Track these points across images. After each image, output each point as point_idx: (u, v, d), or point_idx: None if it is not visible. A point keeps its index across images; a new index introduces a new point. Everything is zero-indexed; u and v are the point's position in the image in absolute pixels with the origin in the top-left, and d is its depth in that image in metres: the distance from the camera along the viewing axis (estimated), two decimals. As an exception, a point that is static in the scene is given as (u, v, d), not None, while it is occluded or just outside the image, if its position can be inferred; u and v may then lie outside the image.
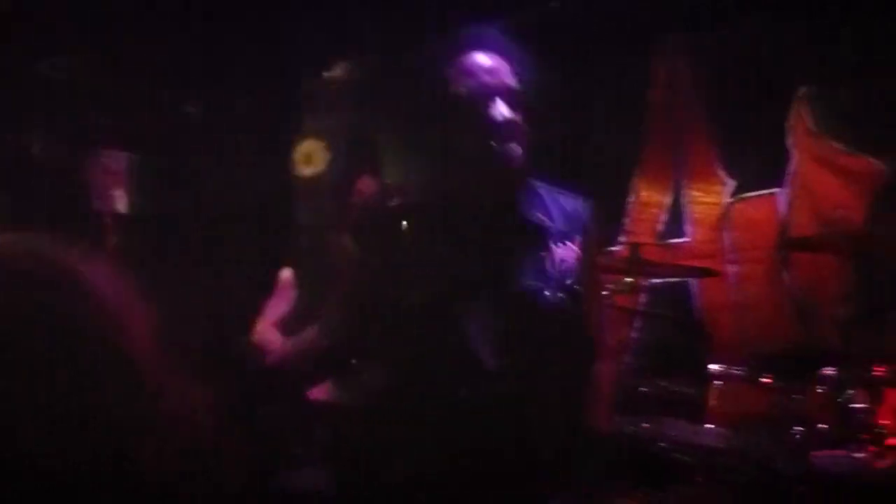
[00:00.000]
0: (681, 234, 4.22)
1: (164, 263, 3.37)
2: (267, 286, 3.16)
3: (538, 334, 1.65)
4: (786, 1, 3.95)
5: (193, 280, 3.68)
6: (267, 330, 3.04)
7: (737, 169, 4.13)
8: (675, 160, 4.26)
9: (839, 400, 2.72)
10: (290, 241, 3.54)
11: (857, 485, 2.48)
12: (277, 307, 3.11)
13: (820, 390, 2.83)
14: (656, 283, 4.13)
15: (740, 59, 4.06)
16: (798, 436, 2.70)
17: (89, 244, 0.90)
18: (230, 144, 3.95)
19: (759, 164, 4.07)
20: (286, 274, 3.17)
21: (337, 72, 4.57)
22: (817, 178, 4.01)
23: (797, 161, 4.03)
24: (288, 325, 3.07)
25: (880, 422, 2.60)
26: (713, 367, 3.07)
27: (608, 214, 3.96)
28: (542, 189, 1.75)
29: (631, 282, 3.45)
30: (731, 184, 4.14)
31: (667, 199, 4.26)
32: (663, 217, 4.27)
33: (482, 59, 1.67)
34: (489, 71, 1.65)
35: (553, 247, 1.69)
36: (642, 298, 4.11)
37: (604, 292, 2.64)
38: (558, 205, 1.74)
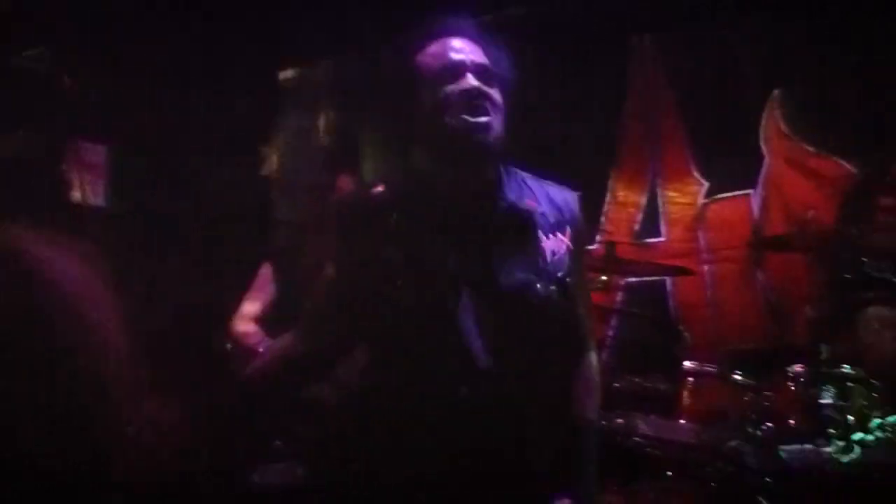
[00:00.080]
0: (656, 234, 4.28)
1: (142, 258, 3.37)
2: (245, 281, 3.18)
3: (530, 329, 1.59)
4: (760, 4, 4.02)
5: (172, 275, 3.68)
6: (245, 324, 3.07)
7: (711, 170, 4.19)
8: (650, 161, 4.31)
9: (808, 396, 2.78)
10: (268, 238, 3.54)
11: (824, 478, 2.53)
12: (255, 302, 3.14)
13: (790, 387, 2.90)
14: (632, 281, 4.19)
15: (714, 62, 4.13)
16: (768, 431, 2.76)
17: (63, 237, 0.88)
18: (208, 141, 3.95)
19: (733, 166, 4.14)
20: (265, 269, 3.20)
21: (316, 69, 4.58)
22: (789, 179, 4.09)
23: (769, 163, 4.11)
24: (266, 322, 3.09)
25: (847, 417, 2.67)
26: (686, 364, 3.13)
27: (585, 214, 4.00)
28: (530, 179, 1.70)
29: (606, 280, 3.50)
30: (706, 185, 4.21)
31: (643, 200, 4.32)
32: (639, 217, 4.33)
33: (451, 41, 1.62)
34: (457, 50, 1.61)
35: (544, 238, 1.63)
36: (618, 297, 4.17)
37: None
38: (547, 195, 1.69)
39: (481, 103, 1.56)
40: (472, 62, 1.60)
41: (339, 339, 1.73)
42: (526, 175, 1.71)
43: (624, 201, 4.36)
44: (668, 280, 4.16)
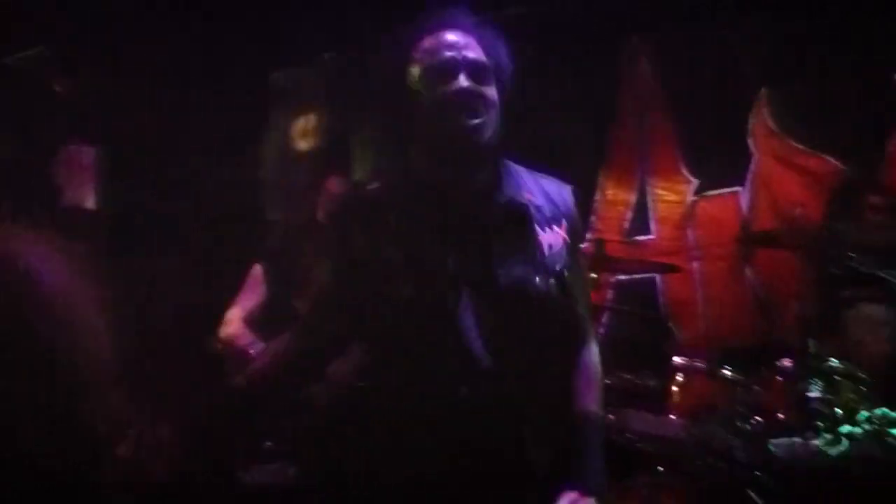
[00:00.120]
0: (646, 232, 4.31)
1: (135, 259, 3.37)
2: (236, 282, 3.19)
3: (531, 324, 1.57)
4: (750, 4, 4.04)
5: (165, 276, 3.68)
6: (235, 325, 3.07)
7: (700, 168, 4.22)
8: (640, 159, 4.34)
9: (796, 390, 2.80)
10: (259, 239, 3.54)
11: (813, 471, 2.56)
12: (246, 303, 3.14)
13: (778, 382, 2.92)
14: (622, 279, 4.21)
15: (704, 61, 4.15)
16: (757, 425, 2.79)
17: (55, 238, 0.88)
18: (202, 142, 3.96)
19: (722, 164, 4.16)
20: (255, 270, 3.20)
21: (307, 70, 4.59)
22: (777, 176, 4.11)
23: (758, 160, 4.13)
24: (256, 323, 3.10)
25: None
26: (676, 360, 3.15)
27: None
28: (525, 173, 1.69)
29: (596, 278, 3.52)
30: (695, 182, 4.23)
31: (632, 198, 4.34)
32: (629, 215, 4.35)
33: (445, 36, 1.60)
34: (451, 46, 1.58)
35: (541, 232, 1.61)
36: (608, 294, 4.19)
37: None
38: (542, 189, 1.67)
39: (474, 104, 1.55)
40: (466, 59, 1.58)
41: (337, 338, 1.72)
42: (521, 168, 1.69)
43: (614, 199, 4.38)
44: (658, 277, 4.18)
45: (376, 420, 1.66)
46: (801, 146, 4.08)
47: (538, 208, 1.63)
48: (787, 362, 2.91)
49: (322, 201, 3.15)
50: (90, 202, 3.51)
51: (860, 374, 2.81)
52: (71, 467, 0.82)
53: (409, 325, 1.56)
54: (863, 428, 2.63)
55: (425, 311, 1.55)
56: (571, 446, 1.59)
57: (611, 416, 2.86)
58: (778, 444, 2.64)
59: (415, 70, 1.58)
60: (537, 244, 1.60)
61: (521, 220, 1.61)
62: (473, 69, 1.57)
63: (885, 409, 2.65)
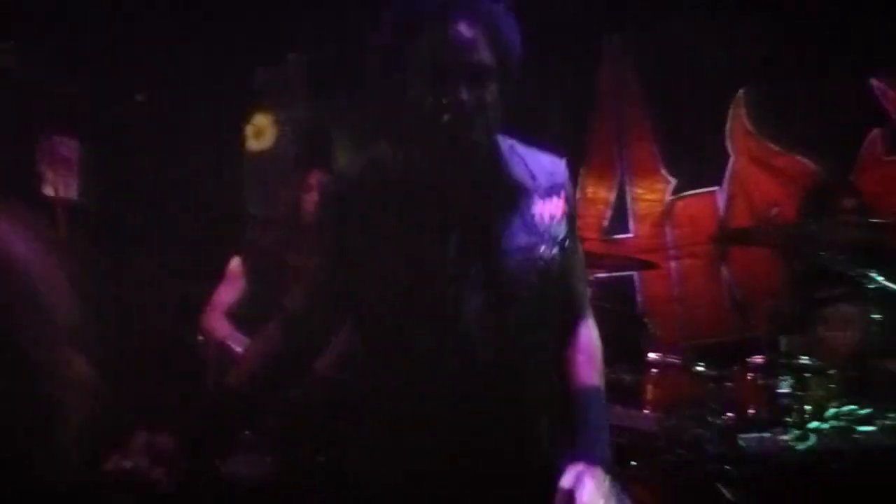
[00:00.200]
0: (625, 230, 4.36)
1: (113, 253, 3.38)
2: (216, 276, 3.20)
3: (536, 296, 1.54)
4: (728, 4, 4.10)
5: (142, 271, 3.69)
6: (215, 318, 3.09)
7: (678, 168, 4.28)
8: (619, 159, 4.39)
9: (767, 386, 2.86)
10: (240, 233, 3.55)
11: (781, 465, 2.61)
12: (226, 296, 3.16)
13: (749, 378, 2.97)
14: (601, 276, 4.25)
15: (682, 62, 4.20)
16: (728, 420, 2.84)
17: (32, 230, 0.87)
18: (183, 135, 3.96)
19: (699, 164, 4.22)
20: (234, 263, 3.22)
21: (288, 66, 4.60)
22: (754, 177, 4.18)
23: (735, 161, 4.20)
24: (236, 316, 3.12)
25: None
26: (651, 356, 3.19)
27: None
28: (518, 146, 1.65)
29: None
30: (673, 182, 4.29)
31: (611, 196, 4.39)
32: (608, 213, 4.40)
33: (448, 31, 1.50)
34: (453, 48, 1.50)
35: (540, 203, 1.59)
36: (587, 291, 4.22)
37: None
38: (537, 161, 1.64)
39: (471, 117, 1.49)
40: (468, 63, 1.49)
41: (329, 331, 1.68)
42: (514, 142, 1.65)
43: (593, 198, 4.43)
44: (636, 275, 4.23)
45: (373, 413, 1.63)
46: (777, 147, 4.15)
47: (535, 180, 1.61)
48: (758, 359, 2.96)
49: (304, 196, 3.16)
50: (72, 194, 3.51)
51: (829, 371, 2.87)
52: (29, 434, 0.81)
53: (405, 315, 1.53)
54: (830, 424, 2.68)
55: (422, 299, 1.52)
56: (575, 421, 1.57)
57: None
58: (748, 438, 2.69)
59: (411, 64, 1.51)
60: (538, 215, 1.58)
61: (518, 193, 1.59)
62: (475, 73, 1.50)
63: (852, 406, 2.71)
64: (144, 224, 3.82)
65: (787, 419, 2.71)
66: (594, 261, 3.76)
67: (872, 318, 2.82)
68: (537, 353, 1.57)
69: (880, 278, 2.80)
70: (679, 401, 3.01)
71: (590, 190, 4.44)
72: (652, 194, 4.32)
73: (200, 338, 3.27)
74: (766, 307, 3.75)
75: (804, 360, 2.90)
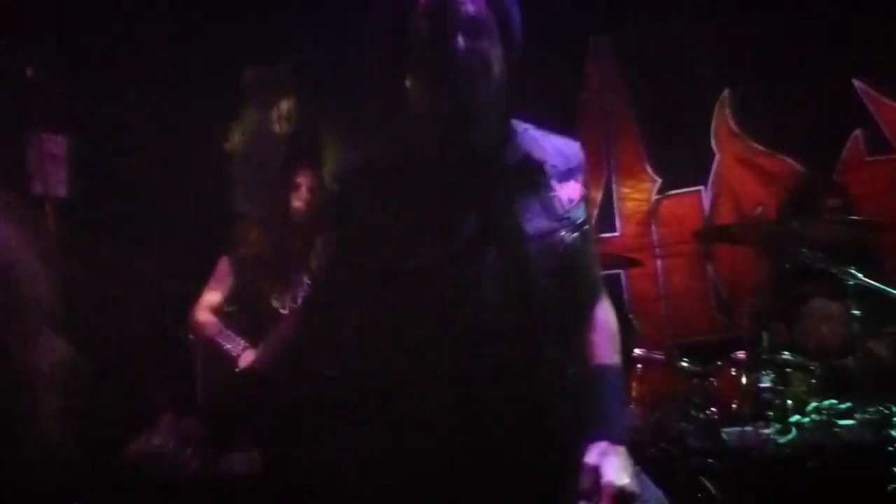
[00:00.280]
0: (611, 229, 4.40)
1: (104, 249, 3.38)
2: (204, 273, 3.21)
3: (556, 279, 1.50)
4: (715, 4, 4.14)
5: (132, 267, 3.69)
6: (204, 314, 3.11)
7: (664, 167, 4.32)
8: (605, 158, 4.43)
9: (749, 382, 2.90)
10: (228, 230, 3.56)
11: (763, 459, 2.65)
12: (215, 293, 3.18)
13: (733, 373, 3.02)
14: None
15: (668, 62, 4.25)
16: (711, 415, 2.88)
17: (21, 227, 0.88)
18: (170, 133, 3.97)
19: (685, 163, 4.27)
20: (223, 261, 3.24)
21: (277, 64, 4.61)
22: (739, 176, 4.23)
23: (720, 160, 4.25)
24: (225, 313, 3.14)
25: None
26: (637, 352, 3.23)
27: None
28: (533, 130, 1.62)
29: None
30: (659, 181, 4.33)
31: (598, 196, 4.43)
32: (595, 212, 4.43)
33: None
34: (443, 4, 1.46)
35: (558, 186, 1.56)
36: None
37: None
38: (553, 145, 1.61)
39: (471, 71, 1.45)
40: (462, 11, 1.45)
41: (336, 325, 1.64)
42: (529, 126, 1.62)
43: (580, 197, 4.46)
44: (623, 273, 4.27)
45: (372, 412, 1.61)
46: (761, 147, 4.20)
47: (553, 164, 1.58)
48: (741, 354, 3.01)
49: (291, 195, 3.18)
50: (61, 190, 3.52)
51: (810, 366, 2.92)
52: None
53: (405, 315, 1.51)
54: (811, 418, 2.73)
55: (422, 299, 1.49)
56: (596, 400, 1.53)
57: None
58: (730, 432, 2.73)
59: (409, 29, 1.47)
60: (557, 199, 1.56)
61: (536, 176, 1.56)
62: (473, 23, 1.46)
63: (832, 401, 2.76)
64: (137, 221, 3.82)
65: (769, 413, 2.75)
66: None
67: (852, 314, 2.86)
68: (557, 341, 1.53)
69: (860, 275, 2.85)
70: (663, 396, 3.05)
71: (576, 189, 4.46)
72: (638, 193, 4.36)
73: (190, 335, 3.30)
74: (749, 304, 3.81)
75: (786, 355, 2.95)
